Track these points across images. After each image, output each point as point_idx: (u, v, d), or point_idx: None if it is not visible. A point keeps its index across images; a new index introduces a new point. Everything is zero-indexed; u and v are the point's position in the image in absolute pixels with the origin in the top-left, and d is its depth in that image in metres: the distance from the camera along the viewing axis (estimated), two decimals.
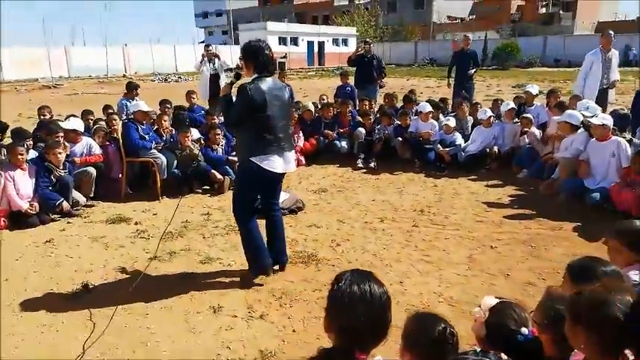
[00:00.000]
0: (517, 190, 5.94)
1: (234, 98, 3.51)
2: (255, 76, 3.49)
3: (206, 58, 9.65)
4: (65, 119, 6.22)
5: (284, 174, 3.72)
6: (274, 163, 3.50)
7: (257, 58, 3.47)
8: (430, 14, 51.97)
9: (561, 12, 46.64)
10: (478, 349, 1.44)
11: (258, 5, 66.00)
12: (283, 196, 5.32)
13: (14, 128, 6.10)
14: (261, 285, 3.62)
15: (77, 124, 5.86)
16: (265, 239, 3.75)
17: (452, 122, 7.11)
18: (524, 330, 1.67)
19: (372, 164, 7.28)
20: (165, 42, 43.75)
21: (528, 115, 6.71)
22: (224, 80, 9.22)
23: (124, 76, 32.31)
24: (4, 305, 3.39)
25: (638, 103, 6.87)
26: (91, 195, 5.64)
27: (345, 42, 48.57)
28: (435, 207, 5.41)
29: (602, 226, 4.41)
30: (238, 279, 3.71)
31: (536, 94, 7.59)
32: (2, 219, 4.83)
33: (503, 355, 1.39)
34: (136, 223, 5.04)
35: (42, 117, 6.57)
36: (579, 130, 5.46)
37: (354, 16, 50.80)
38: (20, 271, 3.95)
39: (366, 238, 4.55)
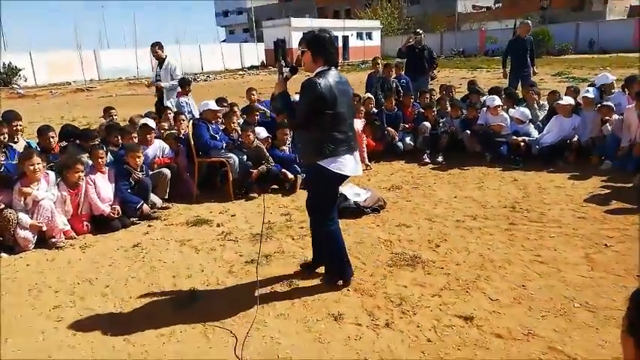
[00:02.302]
0: (606, 183, 5.61)
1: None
2: (320, 69, 3.20)
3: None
4: (129, 120, 6.12)
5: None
6: (344, 166, 3.23)
7: (326, 49, 3.19)
8: (455, 4, 51.01)
9: None
10: None
11: (278, 2, 65.89)
12: (365, 194, 5.16)
13: (83, 129, 6.04)
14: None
15: (150, 123, 5.76)
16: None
17: (526, 113, 6.80)
18: None
19: (439, 159, 7.02)
20: (187, 42, 43.83)
21: (609, 104, 6.35)
22: (164, 86, 7.99)
23: None
24: (114, 312, 3.28)
25: None
26: (166, 197, 5.54)
27: (369, 35, 48.10)
28: (524, 203, 5.13)
29: None
30: (345, 283, 3.51)
31: (613, 81, 7.17)
32: (85, 223, 4.75)
33: None
34: (218, 225, 4.91)
35: (109, 119, 6.49)
36: None
37: (376, 9, 50.26)
38: (117, 276, 3.84)
39: (465, 238, 4.30)
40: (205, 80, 29.61)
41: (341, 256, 3.49)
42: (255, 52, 42.96)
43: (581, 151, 6.56)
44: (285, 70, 3.44)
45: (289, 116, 3.39)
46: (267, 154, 5.92)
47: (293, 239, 4.46)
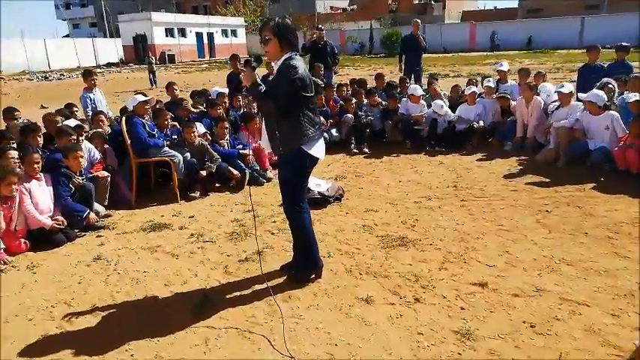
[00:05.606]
0: (516, 159, 6.48)
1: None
2: (288, 54, 3.17)
3: None
4: (45, 119, 5.30)
5: None
6: (320, 149, 3.31)
7: (291, 35, 3.19)
8: (314, 4, 52.97)
9: (433, 2, 50.65)
10: None
11: None
12: (325, 184, 5.24)
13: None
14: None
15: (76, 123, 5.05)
16: None
17: (441, 104, 7.46)
18: None
19: (365, 149, 7.36)
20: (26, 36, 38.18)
21: (505, 94, 7.31)
22: None
23: None
24: (119, 332, 2.89)
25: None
26: (105, 203, 4.94)
27: (234, 33, 47.54)
28: (461, 182, 5.68)
29: (617, 184, 5.12)
30: (317, 275, 3.49)
31: (508, 71, 8.27)
32: (22, 240, 4.03)
33: None
34: (182, 228, 4.55)
35: (15, 120, 5.48)
36: (573, 102, 6.12)
37: (239, 7, 49.82)
38: (97, 294, 3.36)
39: (431, 217, 4.64)
40: (59, 79, 26.40)
41: (313, 243, 3.44)
42: (112, 48, 39.54)
43: (485, 135, 7.47)
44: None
45: (269, 99, 3.15)
46: (212, 151, 5.62)
47: (273, 234, 4.35)
